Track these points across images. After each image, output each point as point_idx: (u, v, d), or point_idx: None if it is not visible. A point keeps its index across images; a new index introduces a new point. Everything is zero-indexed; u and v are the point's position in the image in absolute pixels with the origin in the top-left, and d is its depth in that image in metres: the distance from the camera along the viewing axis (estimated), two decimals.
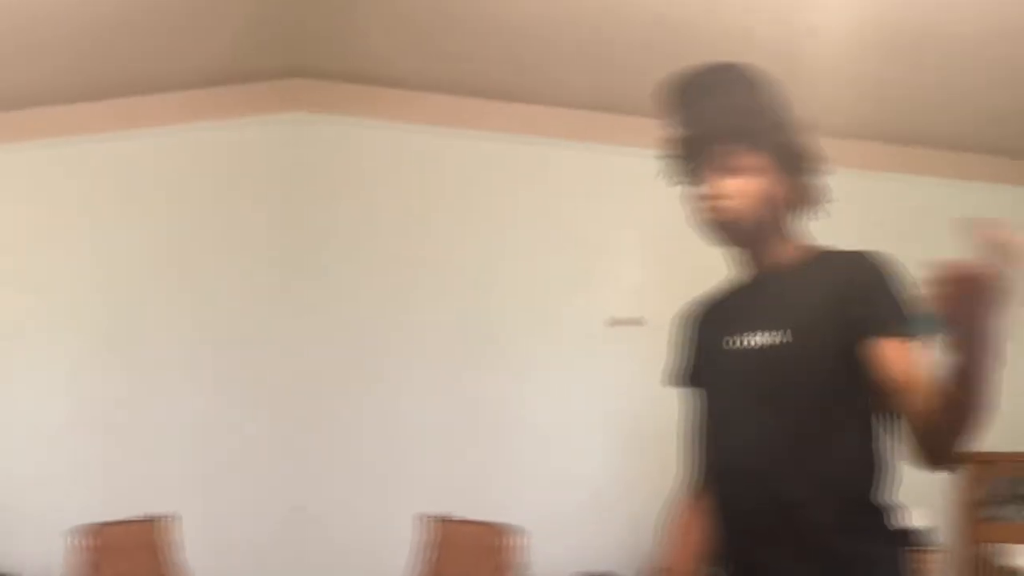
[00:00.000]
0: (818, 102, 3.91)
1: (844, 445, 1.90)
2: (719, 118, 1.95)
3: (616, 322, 4.14)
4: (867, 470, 1.92)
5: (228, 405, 3.91)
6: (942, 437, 1.69)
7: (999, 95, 3.84)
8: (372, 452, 3.96)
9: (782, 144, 1.97)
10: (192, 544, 3.65)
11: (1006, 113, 4.00)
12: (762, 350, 1.96)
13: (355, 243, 4.08)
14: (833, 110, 4.03)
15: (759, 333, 1.97)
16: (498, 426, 4.07)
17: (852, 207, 4.29)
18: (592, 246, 4.22)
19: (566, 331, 4.16)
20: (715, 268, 4.23)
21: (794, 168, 1.98)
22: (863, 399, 1.89)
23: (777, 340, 1.93)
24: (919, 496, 3.83)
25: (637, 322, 4.12)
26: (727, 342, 2.01)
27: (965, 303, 1.44)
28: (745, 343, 1.99)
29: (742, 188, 1.94)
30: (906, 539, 2.12)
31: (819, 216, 2.07)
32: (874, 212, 4.36)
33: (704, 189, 1.95)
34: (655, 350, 4.14)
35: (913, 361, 1.79)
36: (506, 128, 4.20)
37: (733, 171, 1.93)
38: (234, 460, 3.87)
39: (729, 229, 1.98)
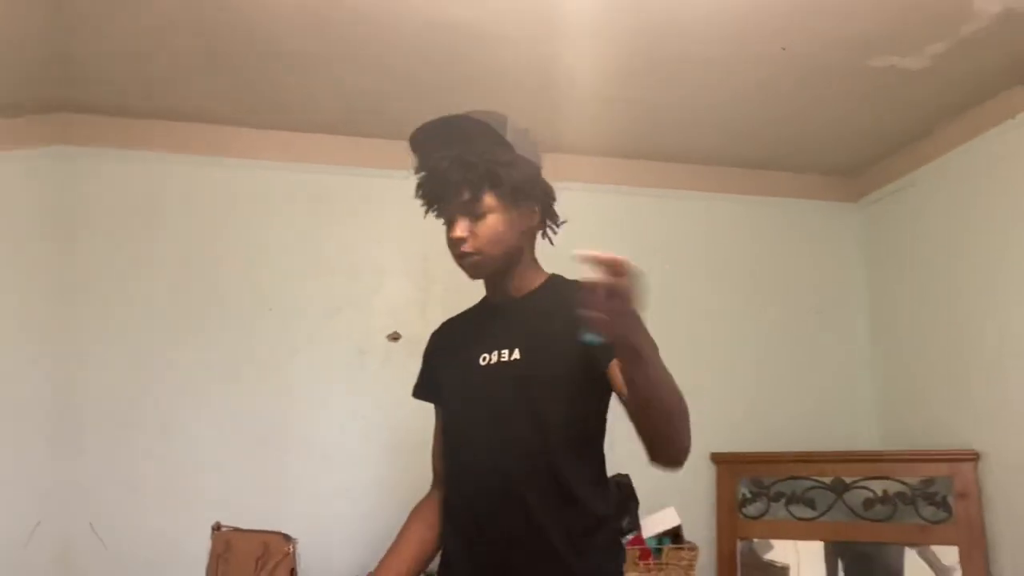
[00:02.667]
0: (577, 123, 4.12)
1: (574, 457, 2.13)
2: (456, 169, 2.16)
3: (393, 337, 4.26)
4: (593, 482, 2.20)
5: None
6: (651, 437, 1.87)
7: (746, 111, 4.06)
8: (155, 471, 3.96)
9: (516, 182, 2.18)
10: None
11: (753, 128, 4.25)
12: (499, 367, 2.19)
13: (126, 271, 4.08)
14: (590, 130, 4.21)
15: (496, 352, 2.21)
16: (277, 441, 4.12)
17: (615, 222, 4.53)
18: (360, 266, 4.34)
19: (341, 348, 4.26)
20: (479, 291, 4.41)
21: (527, 203, 2.24)
22: (594, 418, 2.16)
23: (508, 358, 2.17)
24: (676, 494, 4.05)
25: (396, 337, 4.28)
26: (481, 359, 2.24)
27: (613, 317, 1.61)
28: (486, 361, 2.22)
29: (485, 230, 2.18)
30: (621, 549, 2.33)
31: (556, 235, 2.28)
32: (635, 227, 4.56)
33: (454, 232, 2.20)
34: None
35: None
36: (273, 156, 4.28)
37: (476, 215, 2.17)
38: (8, 479, 3.81)
39: (477, 266, 2.24)
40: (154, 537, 3.89)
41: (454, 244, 2.22)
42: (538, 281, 2.33)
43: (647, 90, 3.81)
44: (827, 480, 4.19)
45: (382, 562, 2.43)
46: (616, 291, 1.58)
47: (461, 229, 2.19)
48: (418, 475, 4.11)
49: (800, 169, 4.84)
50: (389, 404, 4.22)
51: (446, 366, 2.38)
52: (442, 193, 2.20)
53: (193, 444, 4.01)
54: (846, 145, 4.50)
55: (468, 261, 2.23)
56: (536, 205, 2.28)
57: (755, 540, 4.24)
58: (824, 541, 4.11)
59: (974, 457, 3.89)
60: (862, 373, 4.82)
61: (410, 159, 2.31)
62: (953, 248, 4.17)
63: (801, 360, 4.74)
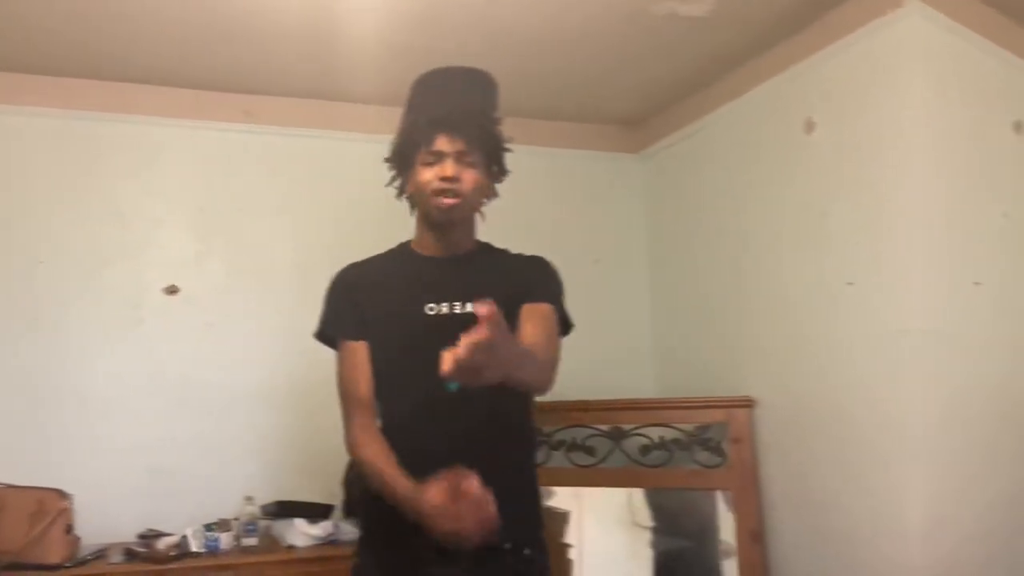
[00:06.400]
0: (359, 70, 3.99)
1: (518, 400, 2.41)
2: (468, 118, 2.35)
3: (170, 291, 4.17)
4: (528, 416, 2.54)
5: None
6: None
7: (526, 59, 4.03)
8: None
9: (495, 146, 2.42)
10: None
11: (533, 77, 4.22)
12: (451, 317, 2.32)
13: None
14: (374, 78, 4.11)
15: (447, 303, 2.36)
16: (51, 396, 4.01)
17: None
18: (131, 217, 4.20)
19: (116, 301, 4.13)
20: (262, 243, 4.34)
21: (496, 167, 2.47)
22: None
23: (461, 310, 2.33)
24: None
25: (173, 291, 4.19)
26: (427, 308, 2.37)
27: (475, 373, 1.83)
28: (434, 311, 2.36)
29: (471, 177, 2.36)
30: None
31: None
32: None
33: (446, 171, 2.32)
34: (206, 318, 4.25)
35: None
36: (35, 101, 4.09)
37: (467, 164, 2.34)
38: None
39: (455, 209, 2.36)
40: None
41: (444, 180, 2.32)
42: (474, 243, 2.53)
43: (427, 37, 3.72)
44: (606, 428, 4.23)
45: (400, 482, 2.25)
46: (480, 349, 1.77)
47: (452, 169, 2.31)
48: (203, 429, 4.14)
49: (581, 119, 4.85)
50: (169, 357, 4.15)
51: (378, 308, 2.42)
52: (437, 133, 2.32)
53: None
54: (628, 95, 4.54)
55: (449, 203, 2.34)
56: (498, 176, 2.50)
57: (546, 488, 4.23)
58: (603, 488, 4.14)
59: (749, 403, 4.01)
60: (641, 323, 4.90)
61: (413, 100, 2.44)
62: (729, 198, 4.27)
63: (581, 310, 4.72)
